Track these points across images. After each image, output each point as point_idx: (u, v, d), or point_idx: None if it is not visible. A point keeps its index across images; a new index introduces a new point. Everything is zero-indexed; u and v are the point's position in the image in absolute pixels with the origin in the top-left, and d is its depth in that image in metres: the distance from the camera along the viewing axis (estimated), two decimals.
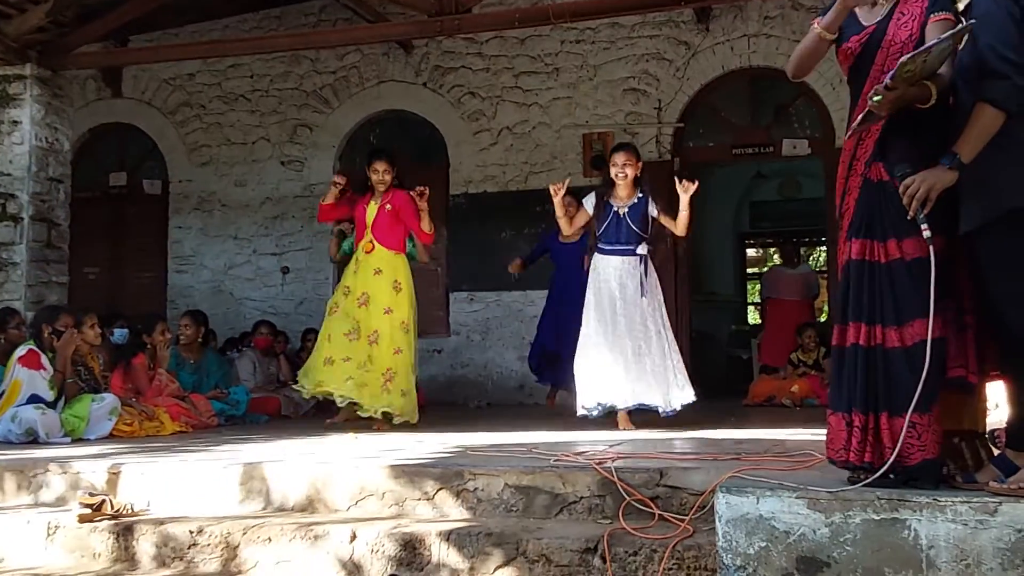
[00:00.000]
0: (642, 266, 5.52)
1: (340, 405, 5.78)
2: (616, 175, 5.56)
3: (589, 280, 5.62)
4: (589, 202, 5.70)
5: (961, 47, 2.70)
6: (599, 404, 5.38)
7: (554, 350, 6.86)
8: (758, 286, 15.22)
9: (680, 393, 5.44)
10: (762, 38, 8.23)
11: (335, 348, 5.74)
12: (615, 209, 5.56)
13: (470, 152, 8.90)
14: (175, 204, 9.69)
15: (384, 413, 5.69)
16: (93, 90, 9.88)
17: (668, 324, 5.61)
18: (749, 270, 14.47)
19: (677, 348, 5.59)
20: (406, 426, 5.79)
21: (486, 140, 8.87)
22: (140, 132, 9.87)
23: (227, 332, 8.72)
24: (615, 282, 5.50)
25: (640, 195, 5.59)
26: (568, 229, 5.84)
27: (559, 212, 5.73)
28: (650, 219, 5.57)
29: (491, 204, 8.67)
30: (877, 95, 2.62)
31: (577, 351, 5.55)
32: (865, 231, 2.75)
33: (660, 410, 5.37)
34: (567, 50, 8.72)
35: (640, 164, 5.64)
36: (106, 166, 10.06)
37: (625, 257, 5.54)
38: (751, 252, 14.64)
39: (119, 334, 6.21)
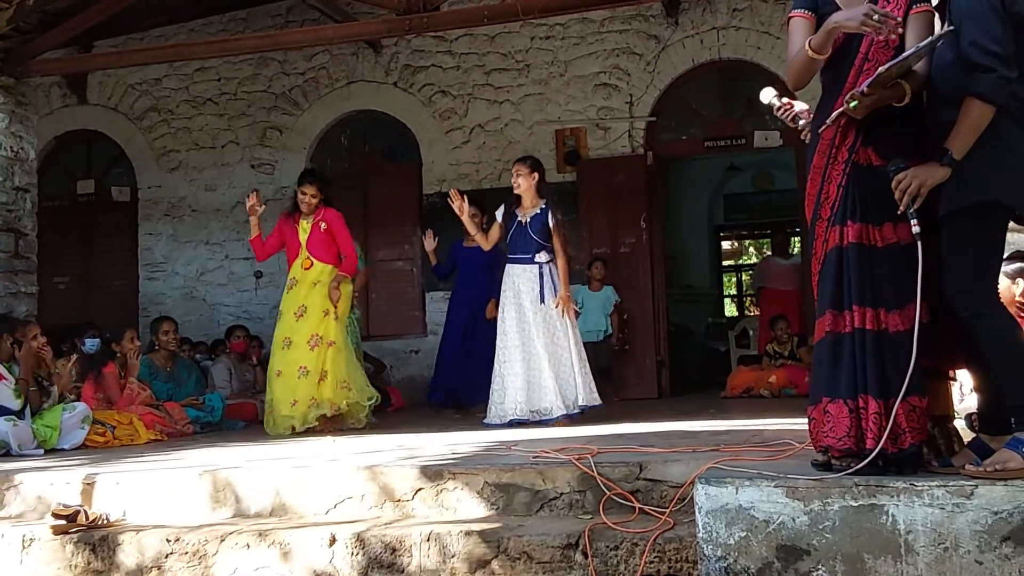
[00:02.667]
0: (541, 274, 5.68)
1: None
2: (512, 184, 5.83)
3: (501, 289, 5.80)
4: (500, 213, 5.93)
5: (939, 43, 2.70)
6: (500, 419, 5.51)
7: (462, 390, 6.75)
8: (734, 278, 15.38)
9: (586, 395, 5.60)
10: (731, 30, 8.26)
11: (281, 390, 5.76)
12: (519, 219, 5.80)
13: (442, 151, 8.87)
14: (144, 210, 9.57)
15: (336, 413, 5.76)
16: (58, 97, 9.74)
17: (575, 328, 5.72)
18: (725, 263, 14.53)
19: (583, 353, 5.72)
20: (384, 427, 5.79)
21: (458, 138, 8.84)
22: (107, 139, 9.75)
23: (201, 338, 8.63)
24: (514, 290, 5.69)
25: (544, 206, 5.77)
26: (487, 244, 6.03)
27: (472, 230, 5.97)
28: (550, 229, 5.71)
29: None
30: (854, 100, 2.63)
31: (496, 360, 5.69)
32: (861, 215, 2.74)
33: (561, 414, 5.46)
34: (537, 46, 8.71)
35: (535, 175, 5.84)
36: (73, 174, 9.94)
37: (525, 265, 5.72)
38: (726, 245, 14.71)
39: (90, 344, 6.12)
